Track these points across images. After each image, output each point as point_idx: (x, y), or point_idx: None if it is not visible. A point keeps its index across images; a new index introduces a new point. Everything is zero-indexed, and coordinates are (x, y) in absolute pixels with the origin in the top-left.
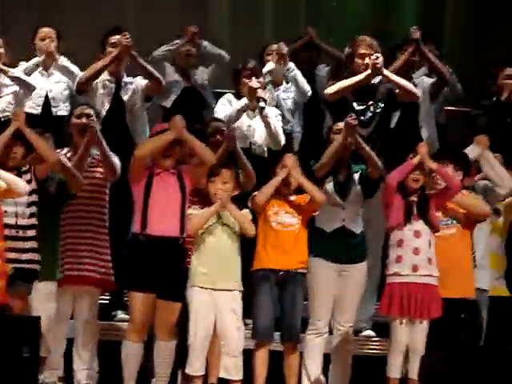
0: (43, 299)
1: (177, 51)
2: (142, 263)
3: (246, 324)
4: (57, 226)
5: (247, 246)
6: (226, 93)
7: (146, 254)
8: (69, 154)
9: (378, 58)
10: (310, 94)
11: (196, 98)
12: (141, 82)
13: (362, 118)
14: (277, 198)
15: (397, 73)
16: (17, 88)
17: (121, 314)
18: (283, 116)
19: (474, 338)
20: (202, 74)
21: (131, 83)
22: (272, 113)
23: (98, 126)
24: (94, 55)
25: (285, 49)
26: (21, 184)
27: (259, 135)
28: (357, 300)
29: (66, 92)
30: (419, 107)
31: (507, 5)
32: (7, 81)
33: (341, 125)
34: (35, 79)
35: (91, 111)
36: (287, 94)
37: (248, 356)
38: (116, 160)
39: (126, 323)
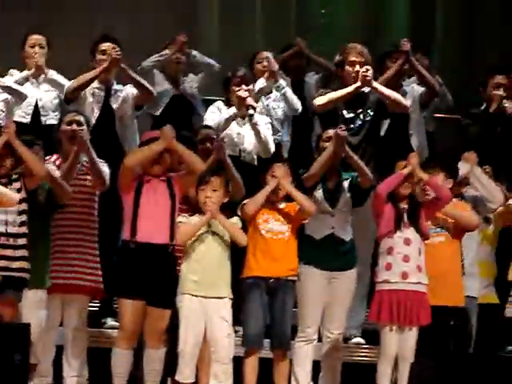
0: (33, 306)
1: (166, 60)
2: (131, 270)
3: (236, 331)
4: (47, 235)
5: (237, 254)
6: (217, 100)
7: (135, 261)
8: (58, 162)
9: (367, 70)
10: (300, 110)
11: (185, 106)
12: (131, 90)
13: (352, 125)
14: (266, 205)
15: (387, 83)
16: (8, 96)
17: (111, 322)
18: (272, 125)
19: (463, 346)
20: (191, 82)
21: (121, 91)
22: (262, 121)
23: (88, 136)
24: None
25: (275, 66)
26: (10, 195)
27: (249, 142)
28: (346, 307)
29: (56, 101)
30: (409, 115)
31: (500, 9)
32: None
33: (330, 132)
34: (25, 88)
35: (81, 118)
36: (277, 103)
37: (238, 363)
38: (105, 169)
39: (116, 330)
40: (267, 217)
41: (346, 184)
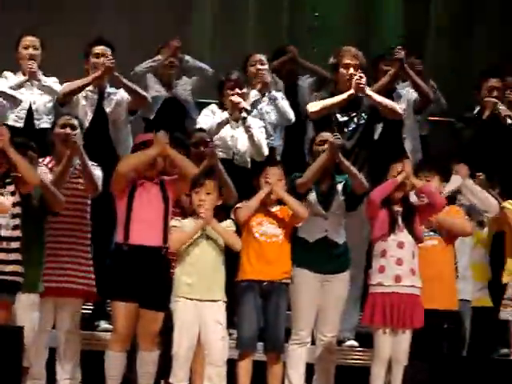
0: (26, 309)
1: (159, 65)
2: (124, 273)
3: (230, 334)
4: (41, 239)
5: (231, 257)
6: (211, 103)
7: (128, 264)
8: (51, 164)
9: (361, 78)
10: (293, 120)
11: (178, 109)
12: (125, 94)
13: (346, 129)
14: (260, 208)
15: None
16: (3, 101)
17: (104, 324)
18: (265, 129)
19: (457, 349)
20: (185, 85)
21: (114, 94)
22: (255, 124)
23: (81, 141)
24: None
25: (268, 78)
26: (3, 203)
27: (242, 145)
28: (340, 310)
29: (50, 104)
30: (403, 120)
31: (500, 9)
32: None
33: (324, 135)
34: (19, 91)
35: (75, 122)
36: (270, 107)
37: (232, 366)
38: (98, 172)
39: (109, 333)
40: (261, 220)
41: (339, 187)
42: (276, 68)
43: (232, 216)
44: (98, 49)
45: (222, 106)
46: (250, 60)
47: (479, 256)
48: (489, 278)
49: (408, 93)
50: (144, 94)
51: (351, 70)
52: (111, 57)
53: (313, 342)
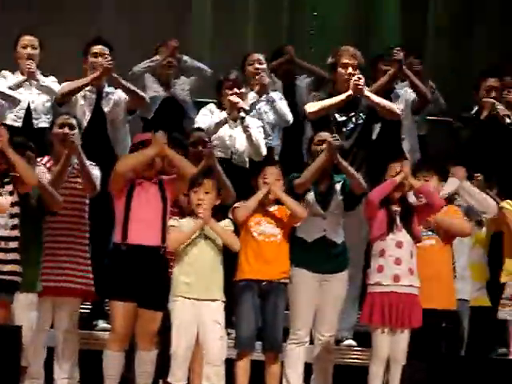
0: (24, 309)
1: (157, 65)
2: (122, 272)
3: (228, 334)
4: (39, 238)
5: (229, 256)
6: (209, 102)
7: (126, 264)
8: (49, 164)
9: (359, 79)
10: (291, 122)
11: (176, 109)
12: (123, 94)
13: (344, 129)
14: (258, 208)
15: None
16: (1, 100)
17: (102, 324)
18: (264, 129)
19: (455, 348)
20: (183, 84)
21: (113, 93)
22: (253, 124)
23: (79, 141)
24: None
25: (266, 80)
26: (1, 202)
27: (240, 145)
28: (338, 310)
29: (48, 104)
30: (401, 121)
31: (500, 9)
32: None
33: (322, 135)
34: (18, 91)
35: (73, 121)
36: (269, 107)
37: (230, 365)
38: (96, 172)
39: (107, 332)
40: (259, 219)
41: (337, 186)
42: (274, 68)
43: (230, 216)
44: (97, 48)
45: (220, 106)
46: (248, 59)
47: (478, 256)
48: (487, 278)
49: (406, 93)
50: (142, 94)
51: (349, 70)
52: (109, 57)
53: (311, 342)
